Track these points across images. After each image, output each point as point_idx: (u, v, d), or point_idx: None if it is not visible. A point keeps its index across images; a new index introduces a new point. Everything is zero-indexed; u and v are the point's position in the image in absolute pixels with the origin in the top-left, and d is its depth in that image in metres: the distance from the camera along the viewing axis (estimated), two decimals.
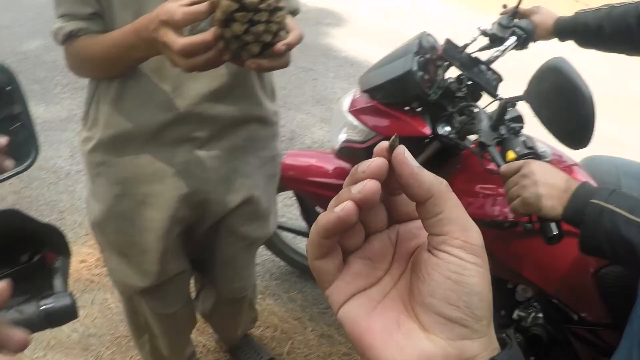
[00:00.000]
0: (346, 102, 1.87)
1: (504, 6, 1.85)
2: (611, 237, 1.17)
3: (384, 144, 0.44)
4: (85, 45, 1.25)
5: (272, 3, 0.96)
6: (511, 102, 1.47)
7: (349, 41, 5.70)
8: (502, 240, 1.62)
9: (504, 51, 1.82)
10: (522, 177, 1.25)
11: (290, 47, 1.06)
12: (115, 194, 1.40)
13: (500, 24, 1.81)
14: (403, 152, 0.44)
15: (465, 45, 1.75)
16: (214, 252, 1.65)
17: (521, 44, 1.88)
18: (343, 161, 2.07)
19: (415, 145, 1.73)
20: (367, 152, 1.78)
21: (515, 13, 1.82)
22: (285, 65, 1.12)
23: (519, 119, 1.53)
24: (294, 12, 1.45)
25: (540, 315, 1.73)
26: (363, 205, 0.43)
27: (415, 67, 1.60)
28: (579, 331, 1.61)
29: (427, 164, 1.80)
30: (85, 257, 2.85)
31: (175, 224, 1.45)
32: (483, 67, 1.73)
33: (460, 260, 0.42)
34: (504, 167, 1.29)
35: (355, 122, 1.79)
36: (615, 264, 1.40)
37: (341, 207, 0.42)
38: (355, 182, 0.43)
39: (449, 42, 1.70)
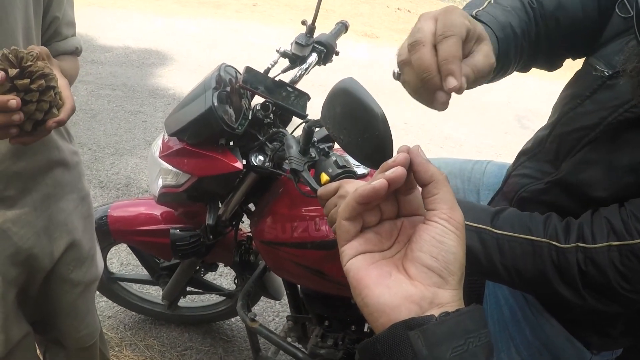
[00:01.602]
0: (157, 148, 1.82)
1: (303, 22, 1.82)
2: None
3: (405, 146, 0.62)
4: None
5: (43, 84, 1.01)
6: (313, 125, 1.44)
7: (174, 78, 5.69)
8: (332, 258, 1.62)
9: (307, 69, 1.80)
10: (339, 198, 1.23)
11: (61, 124, 1.10)
12: None
13: (298, 43, 1.79)
14: (417, 149, 0.62)
15: (267, 70, 1.72)
16: (53, 305, 1.61)
17: (323, 60, 1.88)
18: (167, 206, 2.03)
19: (232, 180, 1.72)
20: (185, 195, 1.75)
21: (312, 30, 1.80)
22: (47, 134, 1.14)
23: (328, 138, 1.54)
24: (75, 52, 1.44)
25: None
26: (392, 184, 0.59)
27: (216, 103, 1.57)
28: None
29: (250, 195, 1.79)
30: None
31: (9, 286, 1.41)
32: (289, 88, 1.69)
33: (444, 228, 0.59)
34: (320, 191, 1.27)
35: (169, 166, 1.74)
36: None
37: (377, 182, 0.58)
38: (387, 170, 0.60)
39: (249, 69, 1.65)
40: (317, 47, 1.85)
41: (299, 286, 2.02)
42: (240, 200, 1.80)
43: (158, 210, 2.12)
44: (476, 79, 0.82)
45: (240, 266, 2.06)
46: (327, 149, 1.50)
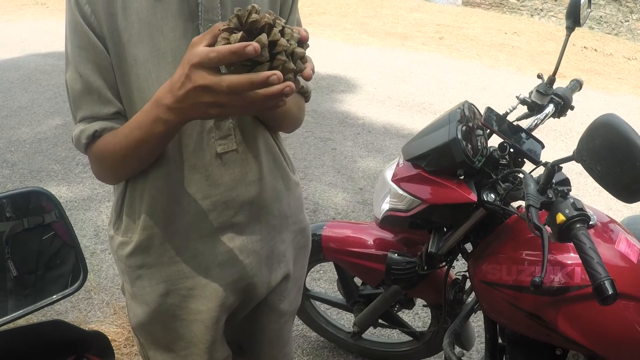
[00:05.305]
0: (389, 172, 1.89)
1: (539, 75, 1.88)
2: None
3: None
4: (106, 141, 1.19)
5: (296, 36, 0.95)
6: (560, 163, 1.47)
7: (364, 108, 5.78)
8: (552, 305, 1.60)
9: (542, 119, 1.84)
10: None
11: (313, 72, 1.04)
12: (159, 293, 1.37)
13: (539, 92, 1.85)
14: None
15: (506, 114, 1.77)
16: (256, 332, 1.62)
17: (559, 112, 1.91)
18: (386, 231, 2.11)
19: (461, 212, 1.75)
20: (411, 220, 1.80)
21: (552, 81, 1.85)
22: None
23: (566, 182, 1.59)
24: (305, 95, 1.43)
25: None
26: None
27: (460, 135, 1.62)
28: None
29: (473, 233, 1.82)
30: (113, 337, 2.80)
31: (224, 312, 1.43)
32: (524, 135, 1.75)
33: None
34: None
35: (400, 191, 1.80)
36: None
37: None
38: None
39: (489, 110, 1.72)
40: (555, 99, 1.89)
41: (498, 333, 1.99)
42: (461, 237, 1.82)
43: (371, 236, 2.18)
44: None
45: (451, 304, 2.07)
46: (565, 191, 1.52)
